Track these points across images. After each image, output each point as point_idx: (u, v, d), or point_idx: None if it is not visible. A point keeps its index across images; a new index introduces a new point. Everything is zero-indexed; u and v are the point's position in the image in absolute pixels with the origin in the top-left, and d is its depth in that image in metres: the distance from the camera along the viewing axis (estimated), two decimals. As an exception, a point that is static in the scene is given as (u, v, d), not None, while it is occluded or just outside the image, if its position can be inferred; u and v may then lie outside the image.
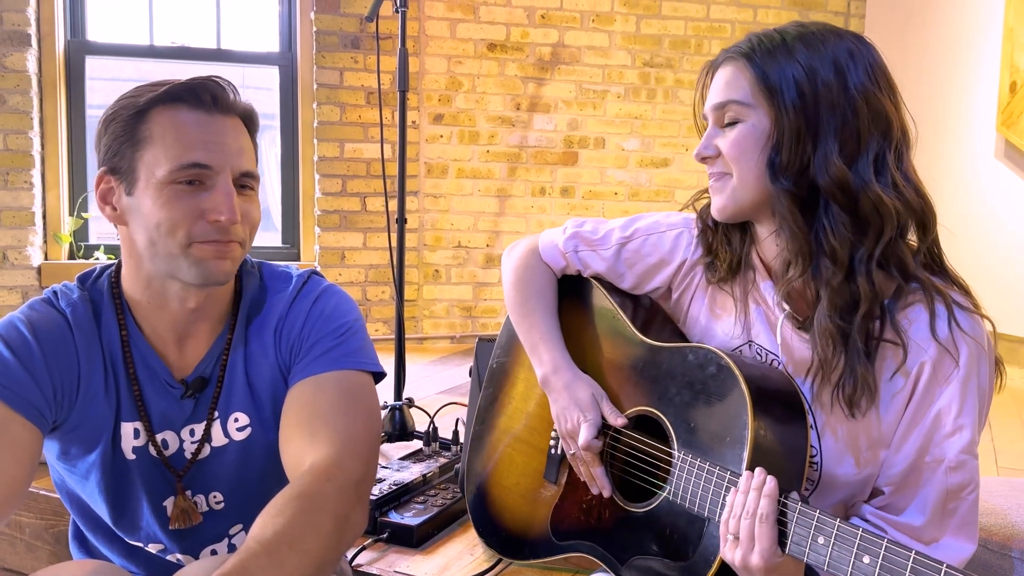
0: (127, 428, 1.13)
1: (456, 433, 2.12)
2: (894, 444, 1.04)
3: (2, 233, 3.52)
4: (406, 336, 2.53)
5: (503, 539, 1.33)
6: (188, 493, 1.16)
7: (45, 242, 3.66)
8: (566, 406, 1.22)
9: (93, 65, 3.75)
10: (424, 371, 3.46)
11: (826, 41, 1.04)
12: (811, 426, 1.06)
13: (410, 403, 2.33)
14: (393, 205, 2.40)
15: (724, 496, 1.00)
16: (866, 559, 0.88)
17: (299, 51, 3.90)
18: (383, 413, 2.28)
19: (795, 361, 1.10)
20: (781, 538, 0.94)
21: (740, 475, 0.98)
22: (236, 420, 1.16)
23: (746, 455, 1.00)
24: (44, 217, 3.64)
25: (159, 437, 1.14)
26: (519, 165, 4.13)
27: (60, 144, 3.64)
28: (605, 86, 4.18)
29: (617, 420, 1.19)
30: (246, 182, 1.09)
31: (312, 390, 1.10)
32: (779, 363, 1.12)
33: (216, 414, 1.15)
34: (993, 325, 1.05)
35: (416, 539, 1.66)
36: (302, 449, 1.04)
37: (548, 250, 1.34)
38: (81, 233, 3.74)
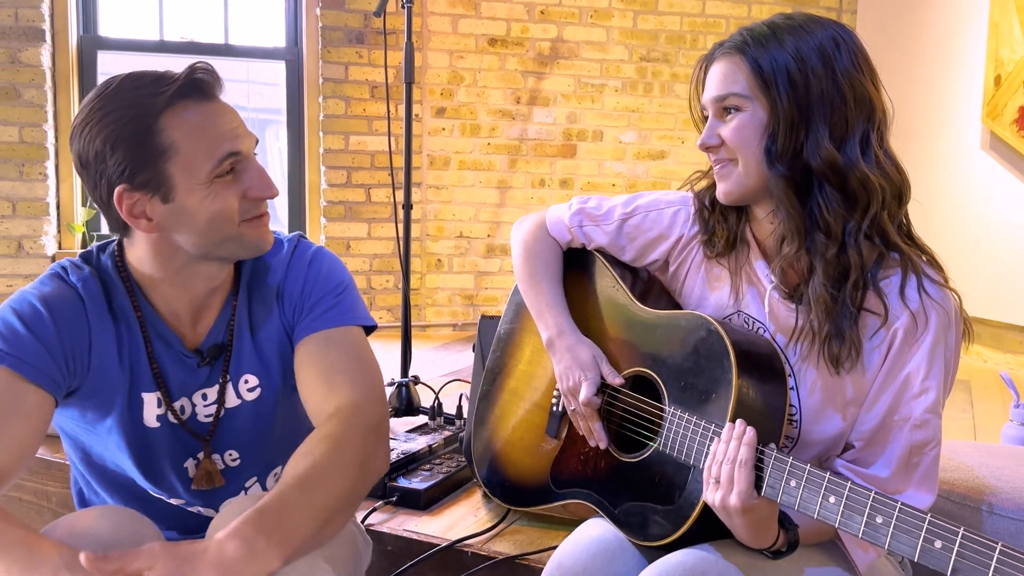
0: (149, 398, 1.20)
1: (460, 408, 2.23)
2: (867, 403, 1.14)
3: (18, 223, 3.63)
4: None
5: (506, 489, 1.44)
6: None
7: (59, 232, 3.76)
8: (569, 366, 1.32)
9: (104, 60, 3.85)
10: (427, 356, 3.56)
11: (812, 31, 1.13)
12: (791, 388, 1.17)
13: (416, 380, 2.44)
14: (399, 195, 2.51)
15: (708, 446, 1.09)
16: (832, 499, 0.98)
17: (305, 46, 4.01)
18: (390, 390, 2.39)
19: (781, 327, 1.20)
20: (757, 482, 1.04)
21: (723, 426, 1.08)
22: (246, 381, 1.25)
23: (730, 409, 1.09)
24: (58, 208, 3.75)
25: (176, 404, 1.22)
26: (519, 157, 4.24)
27: (73, 137, 3.74)
28: (603, 80, 4.28)
29: (615, 380, 1.30)
30: (257, 152, 1.19)
31: (322, 345, 1.20)
32: (765, 331, 1.22)
33: (228, 377, 1.24)
34: (959, 296, 1.15)
35: (423, 502, 1.77)
36: (324, 398, 1.15)
37: (555, 225, 1.44)
38: (93, 223, 3.84)
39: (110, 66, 3.91)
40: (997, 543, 0.84)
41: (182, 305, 1.21)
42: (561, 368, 1.34)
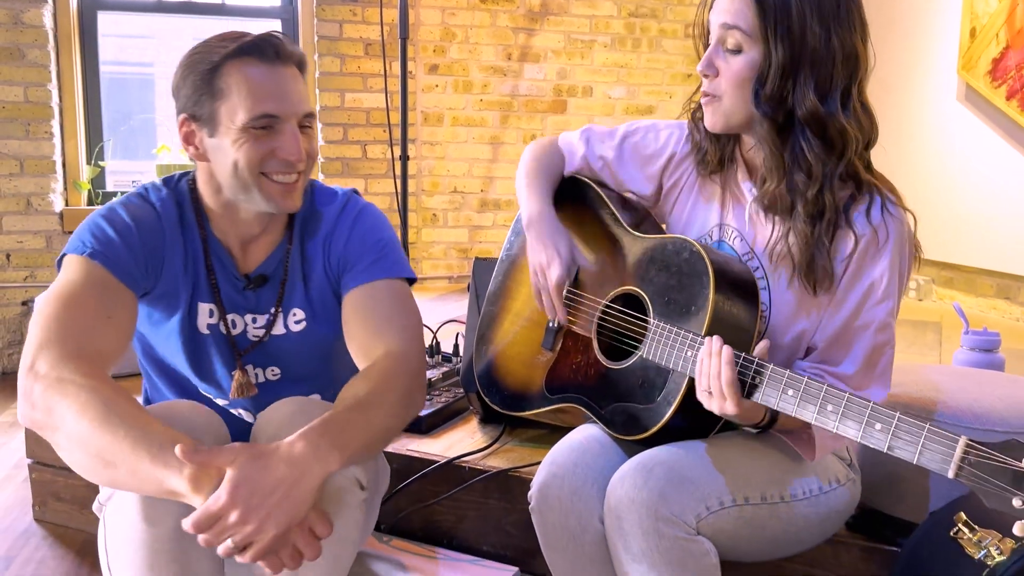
0: (203, 308, 1.39)
1: (456, 346, 2.39)
2: (832, 307, 1.30)
3: (26, 181, 3.74)
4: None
5: (504, 396, 1.59)
6: (249, 367, 1.43)
7: (65, 189, 3.88)
8: (545, 245, 1.47)
9: (104, 20, 3.94)
10: (424, 306, 3.66)
11: None
12: (763, 288, 1.32)
13: (415, 322, 2.59)
14: (395, 151, 2.63)
15: (686, 351, 1.24)
16: (790, 392, 1.13)
17: (300, 4, 4.09)
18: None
19: (760, 236, 1.35)
20: (751, 391, 1.18)
21: (700, 335, 1.23)
22: (294, 315, 1.42)
23: (706, 321, 1.25)
24: (64, 166, 3.86)
25: (229, 317, 1.40)
26: (511, 113, 4.35)
27: (76, 96, 3.84)
28: (592, 36, 4.38)
29: (582, 262, 1.46)
30: (307, 122, 1.33)
31: (368, 295, 1.36)
32: (743, 239, 1.37)
33: (280, 310, 1.41)
34: (915, 217, 1.30)
35: (425, 427, 1.94)
36: (371, 341, 1.31)
37: (565, 140, 1.61)
38: (99, 180, 3.96)
39: (109, 26, 4.00)
40: (926, 423, 1.00)
41: (232, 236, 1.39)
42: (539, 245, 1.48)
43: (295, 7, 4.11)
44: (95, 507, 1.30)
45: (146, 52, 4.46)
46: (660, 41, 4.43)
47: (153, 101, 4.65)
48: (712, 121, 1.33)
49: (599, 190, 1.54)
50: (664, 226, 1.53)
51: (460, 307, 3.65)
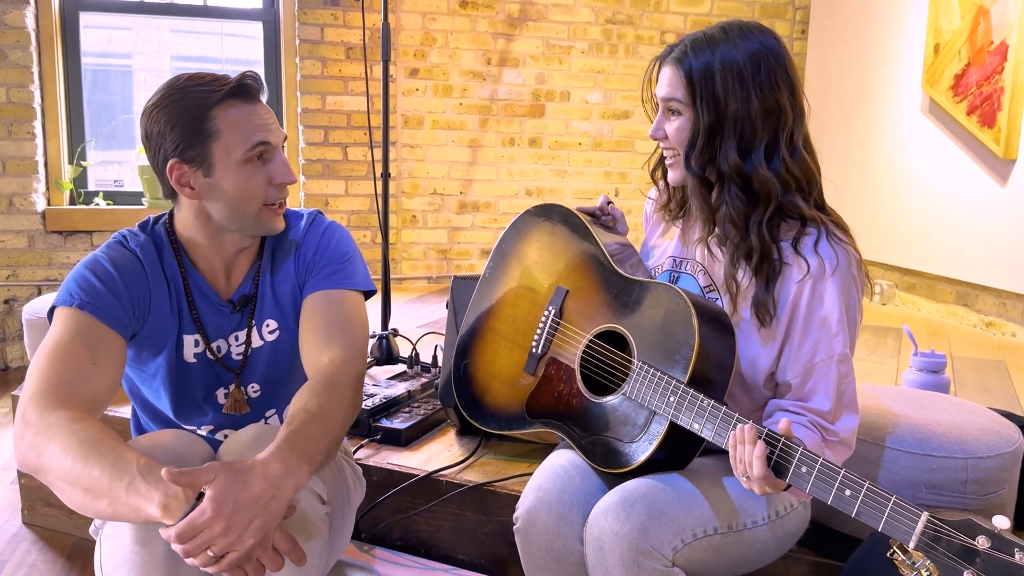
0: (188, 339, 1.47)
1: (435, 358, 2.47)
2: (795, 342, 1.38)
3: (8, 181, 3.77)
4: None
5: (484, 413, 1.63)
6: (232, 387, 1.51)
7: (48, 189, 3.90)
8: None
9: (86, 20, 3.95)
10: (404, 308, 3.79)
11: (738, 46, 1.37)
12: (737, 353, 1.40)
13: (395, 333, 2.68)
14: (374, 154, 2.70)
15: (668, 396, 1.32)
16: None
17: (281, 7, 4.13)
18: (372, 341, 2.62)
19: (716, 270, 1.46)
20: (780, 470, 1.21)
21: (683, 382, 1.30)
22: (268, 325, 1.51)
23: (690, 370, 1.32)
24: (46, 165, 3.88)
25: (214, 345, 1.49)
26: (490, 117, 4.42)
27: (58, 96, 3.87)
28: (570, 42, 4.46)
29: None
30: (284, 144, 1.44)
31: (325, 303, 1.46)
32: (705, 271, 1.48)
33: (254, 322, 1.50)
34: (859, 253, 1.40)
35: (404, 440, 2.02)
36: (319, 349, 1.41)
37: None
38: (80, 180, 3.99)
39: (92, 26, 4.02)
40: (892, 496, 1.07)
41: (217, 263, 1.48)
42: None
43: (277, 10, 4.14)
44: (91, 530, 1.38)
45: (123, 44, 4.48)
46: (636, 47, 4.52)
47: (132, 93, 4.67)
48: (676, 178, 1.47)
49: (587, 224, 1.60)
50: (644, 258, 1.63)
51: (437, 310, 3.74)
